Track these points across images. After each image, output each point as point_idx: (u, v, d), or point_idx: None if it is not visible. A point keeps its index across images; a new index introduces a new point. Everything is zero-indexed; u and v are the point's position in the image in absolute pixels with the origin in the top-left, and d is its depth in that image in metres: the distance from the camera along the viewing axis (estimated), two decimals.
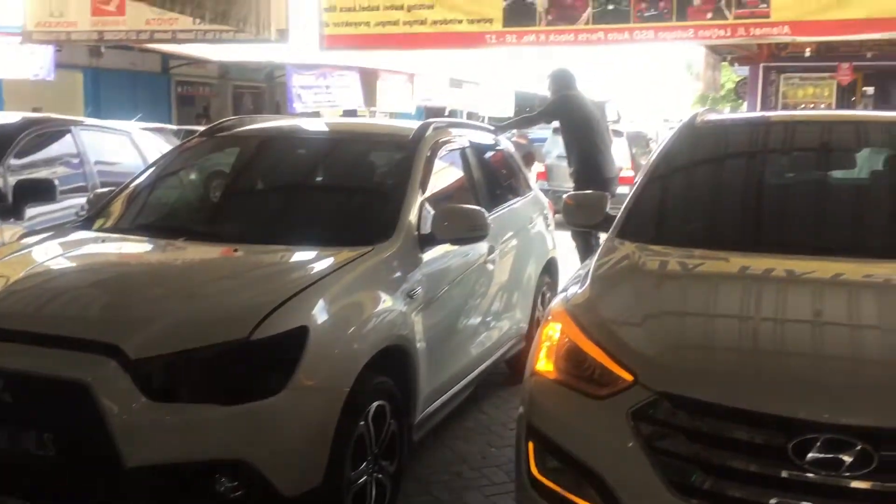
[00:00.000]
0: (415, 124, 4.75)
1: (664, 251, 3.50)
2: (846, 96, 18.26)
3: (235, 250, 3.73)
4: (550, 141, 13.76)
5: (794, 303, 3.03)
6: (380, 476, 3.40)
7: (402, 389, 3.59)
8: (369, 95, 17.49)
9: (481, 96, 22.75)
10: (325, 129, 5.31)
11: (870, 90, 18.31)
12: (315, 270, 3.42)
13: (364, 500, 3.29)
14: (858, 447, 2.25)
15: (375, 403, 3.31)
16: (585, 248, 6.83)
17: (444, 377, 4.13)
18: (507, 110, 24.05)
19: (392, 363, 3.51)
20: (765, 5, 5.99)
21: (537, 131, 13.87)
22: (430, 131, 4.50)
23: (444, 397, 4.17)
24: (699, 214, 3.85)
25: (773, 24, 6.02)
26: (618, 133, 14.06)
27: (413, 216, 3.95)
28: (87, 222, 4.28)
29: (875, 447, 2.24)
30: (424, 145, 4.36)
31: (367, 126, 6.03)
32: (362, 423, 3.22)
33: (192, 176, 4.85)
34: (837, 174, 4.17)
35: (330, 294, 3.29)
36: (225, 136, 4.83)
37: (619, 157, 12.86)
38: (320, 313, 3.20)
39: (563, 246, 6.61)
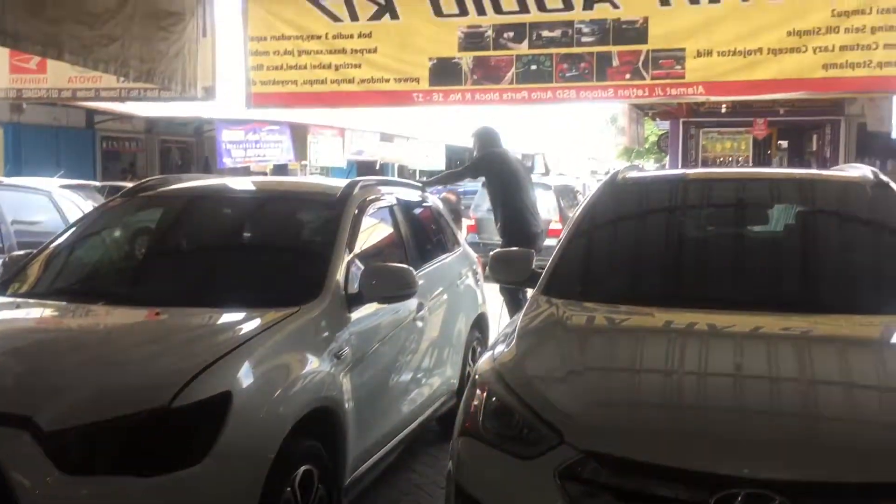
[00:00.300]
0: (342, 182, 4.76)
1: (589, 307, 3.57)
2: (762, 150, 19.05)
3: (158, 314, 3.65)
4: (480, 194, 13.92)
5: (715, 357, 3.10)
6: None
7: (331, 452, 3.53)
8: (300, 150, 17.49)
9: (412, 150, 22.98)
10: (252, 188, 5.28)
11: (784, 144, 19.15)
12: (240, 333, 3.36)
13: None
14: (777, 501, 2.30)
15: (302, 468, 3.24)
16: (513, 303, 6.89)
17: (374, 438, 4.08)
18: (438, 163, 24.33)
19: (320, 426, 3.46)
20: (680, 67, 6.26)
21: (468, 184, 14.04)
22: (357, 190, 4.52)
23: (375, 458, 4.11)
24: (623, 271, 3.93)
25: (687, 85, 6.29)
26: (546, 186, 14.34)
27: (340, 275, 3.94)
28: (1, 287, 4.13)
29: (793, 500, 2.29)
30: (352, 204, 4.37)
31: (294, 185, 6.01)
32: (289, 489, 3.14)
33: (114, 237, 4.74)
34: (753, 230, 4.32)
35: (255, 357, 3.24)
36: (148, 195, 4.76)
37: (547, 210, 13.13)
38: (245, 377, 3.14)
39: (495, 300, 6.66)
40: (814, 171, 6.04)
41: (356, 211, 4.37)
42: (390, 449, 4.34)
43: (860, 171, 4.25)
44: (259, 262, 4.27)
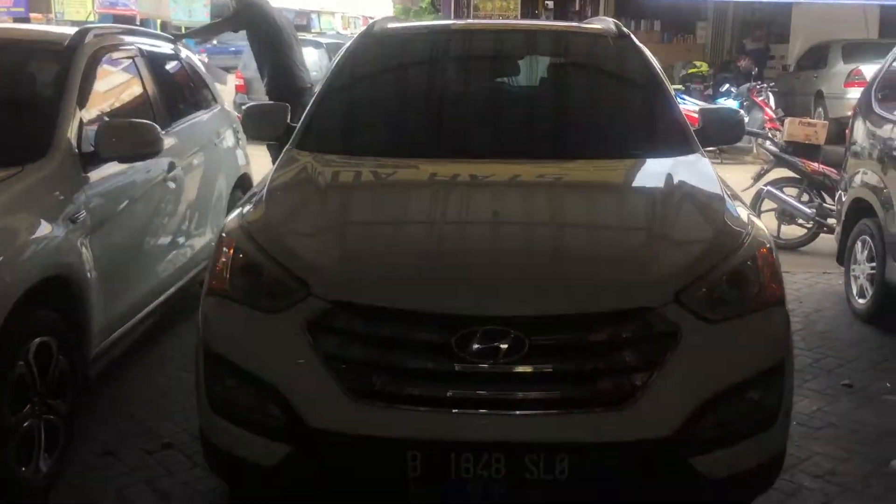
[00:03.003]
0: (72, 30, 4.26)
1: (343, 160, 3.50)
2: (530, 9, 19.44)
3: None
4: (248, 53, 13.18)
5: (464, 206, 3.16)
6: (51, 417, 3.13)
7: (72, 322, 3.31)
8: (43, 2, 15.63)
9: (173, 4, 21.27)
10: None
11: (550, 4, 19.65)
12: None
13: (33, 443, 3.02)
14: (512, 335, 2.41)
15: (37, 340, 3.02)
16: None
17: (124, 305, 3.87)
18: (203, 19, 22.78)
19: (57, 295, 3.21)
20: None
21: (238, 43, 13.24)
22: (89, 38, 4.07)
23: (127, 326, 3.92)
24: (379, 122, 3.85)
25: None
26: (317, 44, 13.88)
27: (71, 133, 3.58)
28: None
29: (526, 334, 2.42)
30: (82, 53, 3.93)
31: (13, 31, 5.26)
32: (21, 362, 2.92)
33: None
34: (510, 80, 4.36)
35: None
36: None
37: (319, 67, 12.74)
38: None
39: (266, 158, 6.31)
40: (565, 23, 6.15)
41: (89, 61, 3.95)
42: (145, 315, 4.15)
43: (605, 23, 4.39)
44: None
